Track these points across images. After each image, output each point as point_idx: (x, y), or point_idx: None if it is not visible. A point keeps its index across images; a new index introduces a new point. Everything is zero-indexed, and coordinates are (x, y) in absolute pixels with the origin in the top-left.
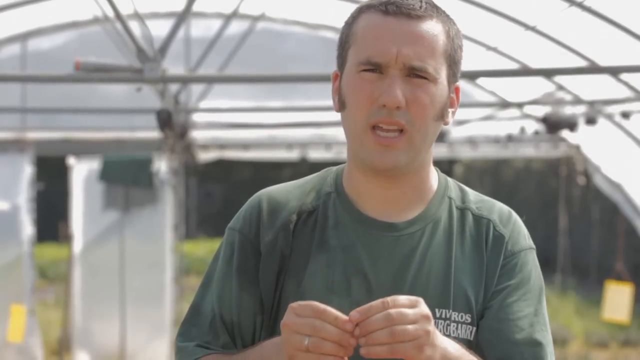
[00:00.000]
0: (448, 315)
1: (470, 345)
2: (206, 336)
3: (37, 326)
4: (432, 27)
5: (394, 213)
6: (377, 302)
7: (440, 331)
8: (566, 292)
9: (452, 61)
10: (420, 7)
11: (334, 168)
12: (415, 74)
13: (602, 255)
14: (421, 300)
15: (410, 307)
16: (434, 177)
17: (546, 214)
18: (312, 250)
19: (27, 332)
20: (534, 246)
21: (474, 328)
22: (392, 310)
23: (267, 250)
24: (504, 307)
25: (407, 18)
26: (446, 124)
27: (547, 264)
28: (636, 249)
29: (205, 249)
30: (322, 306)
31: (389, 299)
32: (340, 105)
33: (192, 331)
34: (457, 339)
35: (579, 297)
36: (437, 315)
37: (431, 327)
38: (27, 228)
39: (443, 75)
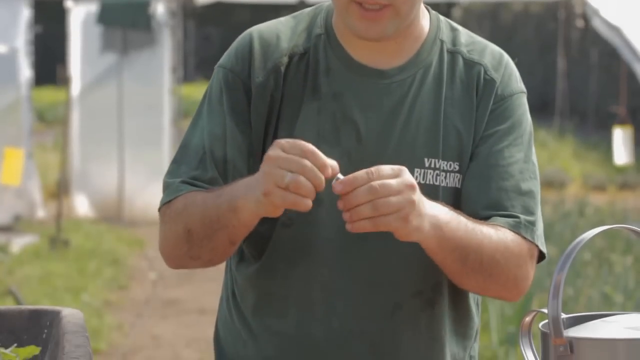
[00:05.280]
0: (437, 165)
1: (458, 193)
2: (194, 171)
3: (35, 169)
4: None
5: (384, 59)
6: (361, 173)
7: (429, 180)
8: (564, 135)
9: None
10: None
11: (325, 5)
12: None
13: (601, 98)
14: (404, 169)
15: (394, 177)
16: (425, 18)
17: (544, 57)
18: (305, 97)
19: (25, 175)
20: (525, 90)
21: (462, 176)
22: (375, 183)
23: (258, 92)
24: (493, 153)
25: None
26: None
27: (545, 107)
28: (634, 92)
29: (203, 92)
30: (312, 147)
31: (373, 169)
32: None
33: (180, 168)
34: (446, 188)
35: (577, 140)
36: (427, 165)
37: (416, 196)
38: (25, 71)
39: None
